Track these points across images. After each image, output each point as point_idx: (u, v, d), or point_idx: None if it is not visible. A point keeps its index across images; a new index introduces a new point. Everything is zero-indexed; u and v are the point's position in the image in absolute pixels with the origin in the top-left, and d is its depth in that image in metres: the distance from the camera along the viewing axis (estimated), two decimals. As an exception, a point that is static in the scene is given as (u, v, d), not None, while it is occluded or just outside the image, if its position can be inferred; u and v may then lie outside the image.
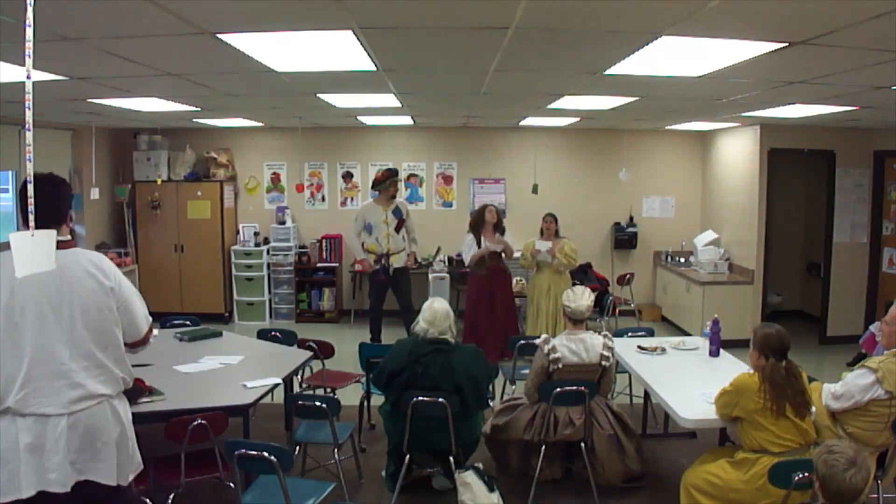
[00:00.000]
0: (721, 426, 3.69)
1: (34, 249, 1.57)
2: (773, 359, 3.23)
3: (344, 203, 8.80)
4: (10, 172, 6.77)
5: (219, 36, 2.87)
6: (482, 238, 6.59)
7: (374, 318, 7.11)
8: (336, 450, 3.75)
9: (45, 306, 2.37)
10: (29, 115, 1.51)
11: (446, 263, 8.06)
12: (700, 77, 3.86)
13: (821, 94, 4.55)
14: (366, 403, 4.83)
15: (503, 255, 6.69)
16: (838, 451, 2.24)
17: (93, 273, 2.47)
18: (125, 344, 2.60)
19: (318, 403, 3.60)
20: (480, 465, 3.96)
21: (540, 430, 3.93)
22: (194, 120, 7.21)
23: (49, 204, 2.38)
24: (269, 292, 8.54)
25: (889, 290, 7.08)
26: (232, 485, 3.21)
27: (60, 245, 2.23)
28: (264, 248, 8.46)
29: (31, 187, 1.57)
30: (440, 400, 3.61)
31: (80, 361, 2.42)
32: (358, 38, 2.94)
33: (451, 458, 3.83)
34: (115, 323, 2.52)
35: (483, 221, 6.62)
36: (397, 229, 6.94)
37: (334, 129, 8.54)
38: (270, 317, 8.55)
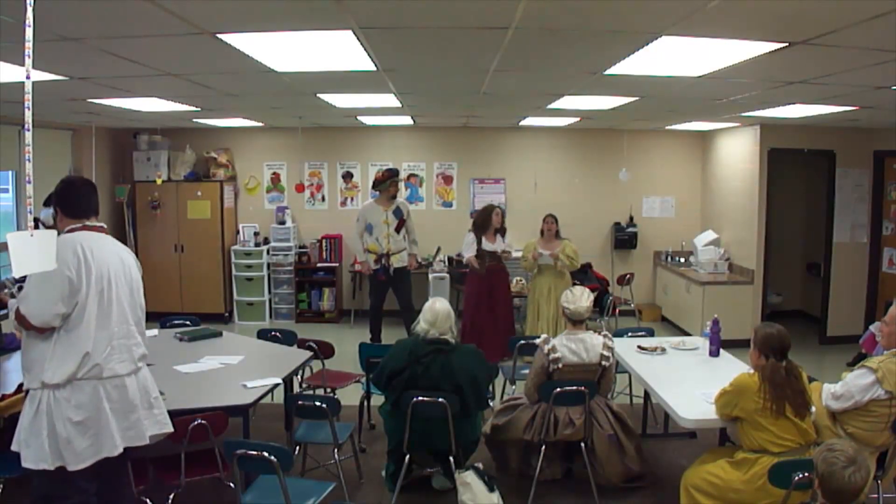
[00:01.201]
0: (721, 426, 3.69)
1: (33, 249, 1.57)
2: (774, 359, 3.23)
3: (344, 203, 8.80)
4: (10, 172, 6.77)
5: (219, 36, 2.87)
6: (482, 239, 6.57)
7: (375, 318, 7.11)
8: (336, 450, 3.75)
9: (121, 278, 2.92)
10: (29, 115, 1.51)
11: (446, 263, 8.06)
12: (700, 77, 3.86)
13: (821, 94, 4.55)
14: (366, 403, 4.83)
15: (502, 255, 6.68)
16: (838, 450, 2.24)
17: (131, 253, 3.11)
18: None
19: (318, 403, 3.60)
20: (480, 465, 3.96)
21: (540, 430, 3.93)
22: (194, 120, 7.21)
23: (93, 197, 3.00)
24: (269, 292, 8.54)
25: (889, 290, 7.08)
26: (232, 485, 3.21)
27: (102, 230, 2.98)
28: (264, 248, 8.46)
29: (30, 187, 1.56)
30: (440, 400, 3.61)
31: (138, 325, 2.98)
32: (358, 38, 2.94)
33: (451, 458, 3.83)
34: (141, 296, 3.08)
35: (489, 224, 6.59)
36: (398, 229, 6.94)
37: (334, 129, 8.54)
38: (270, 317, 8.55)
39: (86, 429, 2.72)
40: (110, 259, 2.90)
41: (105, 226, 3.02)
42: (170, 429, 3.03)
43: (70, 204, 2.93)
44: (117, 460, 2.85)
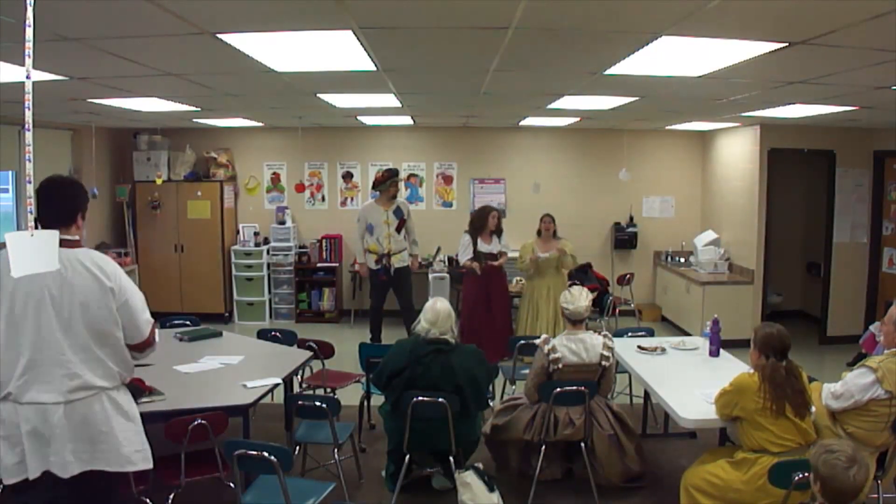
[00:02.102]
0: (721, 426, 3.69)
1: (33, 249, 1.56)
2: (774, 358, 3.23)
3: (344, 203, 8.80)
4: (10, 172, 6.77)
5: (219, 36, 2.87)
6: (478, 240, 6.56)
7: (375, 318, 7.11)
8: (336, 450, 3.75)
9: (47, 300, 2.50)
10: (29, 115, 1.51)
11: (446, 263, 8.05)
12: (700, 77, 3.85)
13: (821, 94, 4.55)
14: (366, 403, 4.83)
15: (499, 256, 6.67)
16: (838, 451, 2.23)
17: (94, 273, 2.57)
18: (129, 346, 2.70)
19: (318, 403, 3.60)
20: (480, 465, 3.96)
21: (540, 430, 3.93)
22: (194, 120, 7.21)
23: (56, 204, 2.57)
24: (269, 292, 8.54)
25: (889, 290, 7.08)
26: (232, 485, 3.21)
27: (67, 244, 2.45)
28: (264, 248, 8.46)
29: (30, 187, 1.56)
30: (440, 400, 3.61)
31: (79, 353, 2.55)
32: (358, 38, 2.94)
33: (451, 458, 3.83)
34: (113, 322, 2.61)
35: (485, 226, 6.59)
36: (398, 229, 6.93)
37: (334, 129, 8.54)
38: (270, 317, 8.55)
39: (11, 445, 2.50)
40: (41, 279, 2.45)
41: (78, 238, 2.62)
42: (124, 467, 2.64)
43: (38, 210, 2.54)
44: (99, 483, 2.61)
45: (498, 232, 6.66)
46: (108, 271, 2.61)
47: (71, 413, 2.53)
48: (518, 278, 7.50)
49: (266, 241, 8.60)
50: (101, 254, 2.70)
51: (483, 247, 6.54)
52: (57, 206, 2.57)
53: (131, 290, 2.69)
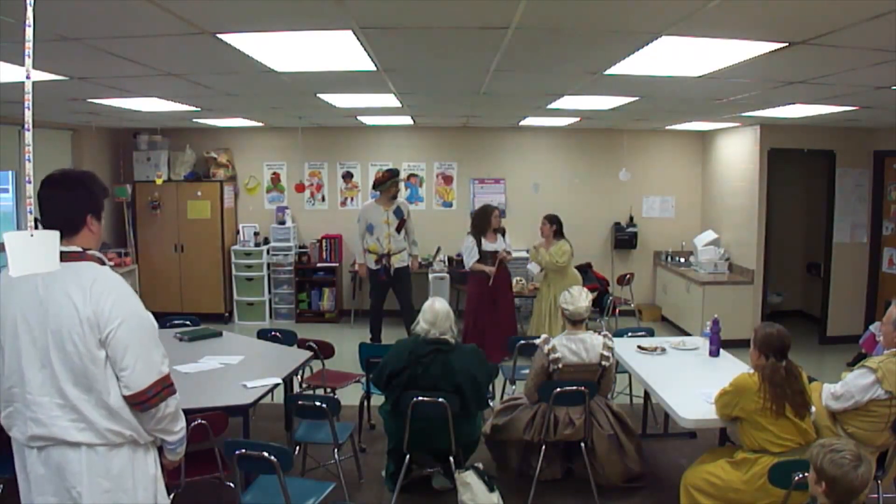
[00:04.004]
0: (721, 426, 3.70)
1: (33, 249, 1.56)
2: (774, 358, 3.23)
3: (344, 203, 8.80)
4: (10, 172, 6.77)
5: (219, 36, 2.86)
6: (482, 240, 6.54)
7: (375, 318, 7.11)
8: (336, 450, 3.75)
9: (22, 325, 2.07)
10: (29, 115, 1.51)
11: (446, 263, 8.05)
12: (700, 77, 3.85)
13: (821, 94, 4.55)
14: (366, 403, 4.83)
15: (504, 255, 6.67)
16: (843, 450, 2.21)
17: (71, 294, 2.04)
18: (126, 398, 2.11)
19: (318, 403, 3.60)
20: (480, 465, 3.96)
21: (540, 430, 3.92)
22: (194, 120, 7.21)
23: (53, 210, 2.13)
24: (269, 292, 8.54)
25: (889, 290, 7.08)
26: (232, 485, 3.21)
27: (67, 257, 2.01)
28: (264, 248, 8.46)
29: (29, 187, 1.56)
30: (440, 400, 3.61)
31: (54, 397, 2.06)
32: (358, 38, 2.94)
33: (451, 458, 3.83)
34: (92, 361, 2.05)
35: (488, 225, 6.58)
36: (398, 229, 6.93)
37: (334, 129, 8.54)
38: (270, 317, 8.55)
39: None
40: (18, 301, 2.08)
41: (81, 250, 2.14)
42: None
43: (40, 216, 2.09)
44: None
45: (501, 230, 6.65)
46: (91, 291, 2.05)
47: (46, 460, 2.09)
48: (518, 278, 7.50)
49: (266, 241, 8.60)
50: (100, 267, 2.16)
51: (488, 246, 6.52)
52: (54, 211, 2.13)
53: (127, 318, 2.10)
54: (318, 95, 5.07)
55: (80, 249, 2.13)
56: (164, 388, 2.14)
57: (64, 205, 2.14)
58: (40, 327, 2.05)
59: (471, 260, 6.52)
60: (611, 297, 7.52)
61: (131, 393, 2.10)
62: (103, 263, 2.20)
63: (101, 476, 2.09)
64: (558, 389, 3.79)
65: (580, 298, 4.05)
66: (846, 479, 2.17)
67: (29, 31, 1.47)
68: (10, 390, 2.10)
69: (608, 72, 3.77)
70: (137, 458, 2.18)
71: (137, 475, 2.17)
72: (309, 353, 4.55)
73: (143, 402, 2.11)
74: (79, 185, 2.21)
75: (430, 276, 7.77)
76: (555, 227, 6.60)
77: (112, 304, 2.07)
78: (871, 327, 6.28)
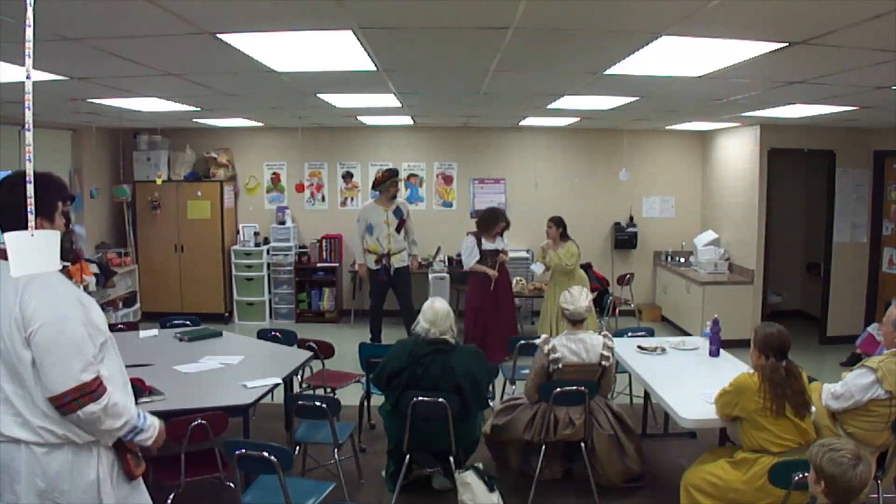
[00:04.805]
0: (721, 426, 3.69)
1: (33, 249, 1.56)
2: (774, 359, 3.23)
3: (344, 203, 8.80)
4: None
5: (219, 36, 2.87)
6: (482, 241, 6.54)
7: (375, 318, 7.11)
8: (336, 450, 3.75)
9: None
10: (29, 115, 1.51)
11: (446, 263, 8.05)
12: (700, 77, 3.86)
13: (821, 94, 4.55)
14: (366, 403, 4.83)
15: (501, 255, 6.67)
16: (842, 449, 2.21)
17: (7, 294, 2.08)
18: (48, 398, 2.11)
19: (318, 403, 3.60)
20: (480, 465, 3.96)
21: (540, 430, 3.92)
22: (194, 120, 7.21)
23: (7, 206, 2.10)
24: (269, 292, 8.54)
25: (889, 290, 7.08)
26: (232, 485, 3.21)
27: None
28: (264, 248, 8.46)
29: (29, 187, 1.56)
30: (440, 400, 3.61)
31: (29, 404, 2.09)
32: (358, 38, 2.94)
33: (451, 458, 3.83)
34: (19, 360, 2.09)
35: (494, 228, 6.56)
36: (398, 229, 6.94)
37: (334, 129, 8.54)
38: (270, 317, 8.55)
39: None
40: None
41: None
42: None
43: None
44: None
45: (501, 232, 6.66)
46: (25, 291, 2.08)
47: (36, 464, 2.11)
48: (518, 278, 7.50)
49: (266, 241, 8.60)
50: (55, 273, 2.11)
51: (488, 245, 6.52)
52: (6, 207, 2.13)
53: (49, 321, 2.08)
54: (318, 95, 5.07)
55: None
56: (82, 395, 2.10)
57: (11, 205, 2.09)
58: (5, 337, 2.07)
59: (471, 260, 6.50)
60: (611, 297, 7.53)
61: (49, 395, 2.10)
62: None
63: (37, 476, 2.11)
64: (558, 389, 3.79)
65: (580, 298, 4.05)
66: (845, 477, 2.17)
67: (29, 31, 1.47)
68: None
69: (608, 72, 3.77)
70: (79, 460, 2.16)
71: (75, 478, 2.16)
72: (309, 353, 4.55)
73: (60, 406, 2.10)
74: (25, 186, 2.19)
75: (430, 276, 7.77)
76: (560, 229, 6.56)
77: (37, 306, 2.08)
78: (869, 328, 6.29)
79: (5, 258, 1.91)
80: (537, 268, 6.75)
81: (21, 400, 2.10)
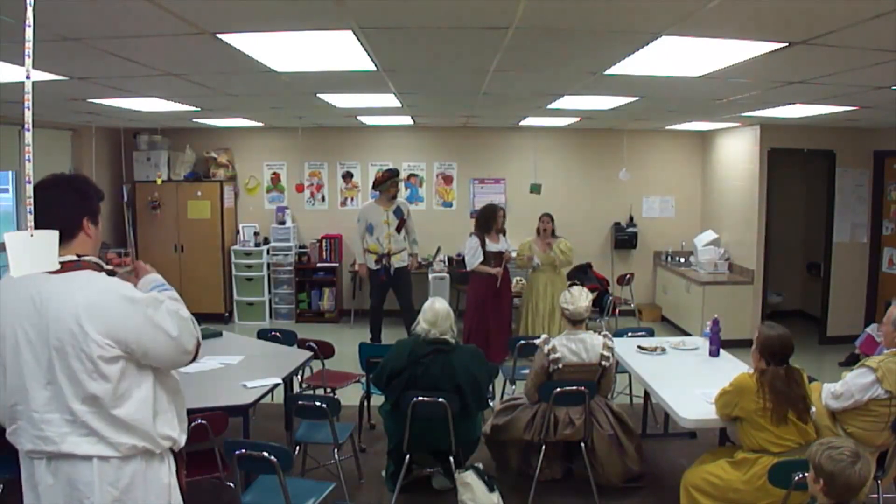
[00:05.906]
0: (721, 426, 3.69)
1: (33, 250, 1.56)
2: (774, 364, 3.21)
3: (344, 203, 8.80)
4: (10, 173, 6.77)
5: (219, 36, 2.86)
6: (486, 241, 6.53)
7: (375, 317, 7.11)
8: (336, 450, 3.75)
9: (23, 341, 1.99)
10: (29, 115, 1.51)
11: (446, 263, 8.05)
12: (700, 77, 3.85)
13: (821, 94, 4.55)
14: (366, 403, 4.83)
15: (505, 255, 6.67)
16: (840, 447, 2.21)
17: (71, 310, 1.96)
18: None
19: (318, 403, 3.60)
20: (480, 465, 3.96)
21: (540, 430, 3.92)
22: (194, 120, 7.21)
23: (48, 216, 1.85)
24: (269, 292, 8.54)
25: (889, 290, 7.08)
26: (232, 485, 3.21)
27: (61, 267, 1.86)
28: (264, 248, 8.46)
29: (29, 187, 1.56)
30: (440, 400, 3.61)
31: (63, 413, 1.99)
32: (358, 38, 2.94)
33: (451, 458, 3.83)
34: (101, 377, 1.98)
35: (493, 224, 6.55)
36: (398, 229, 6.94)
37: (334, 129, 8.54)
38: (270, 317, 8.55)
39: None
40: (17, 314, 2.00)
41: (76, 258, 2.06)
42: None
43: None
44: None
45: (503, 230, 6.66)
46: (95, 306, 1.98)
47: (56, 471, 2.03)
48: (518, 278, 7.50)
49: (266, 241, 8.60)
50: (97, 276, 2.09)
51: (492, 246, 6.49)
52: (48, 218, 1.84)
53: (138, 323, 2.06)
54: (318, 95, 5.07)
55: (75, 258, 2.06)
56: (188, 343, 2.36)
57: (58, 210, 2.03)
58: (41, 343, 1.97)
59: (475, 261, 6.46)
60: (611, 297, 7.53)
61: (182, 363, 2.37)
62: (101, 269, 2.15)
63: (111, 485, 2.05)
64: (558, 389, 3.79)
65: (580, 298, 4.05)
66: (843, 475, 2.17)
67: (29, 31, 1.47)
68: (13, 408, 2.03)
69: (608, 72, 3.77)
70: (150, 467, 2.14)
71: (149, 484, 2.13)
72: (309, 353, 4.56)
73: (188, 357, 2.36)
74: (71, 189, 2.13)
75: (430, 276, 7.77)
76: (552, 224, 6.69)
77: (117, 317, 2.02)
78: (869, 329, 6.29)
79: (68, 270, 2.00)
80: (538, 258, 6.74)
81: (96, 419, 2.00)
